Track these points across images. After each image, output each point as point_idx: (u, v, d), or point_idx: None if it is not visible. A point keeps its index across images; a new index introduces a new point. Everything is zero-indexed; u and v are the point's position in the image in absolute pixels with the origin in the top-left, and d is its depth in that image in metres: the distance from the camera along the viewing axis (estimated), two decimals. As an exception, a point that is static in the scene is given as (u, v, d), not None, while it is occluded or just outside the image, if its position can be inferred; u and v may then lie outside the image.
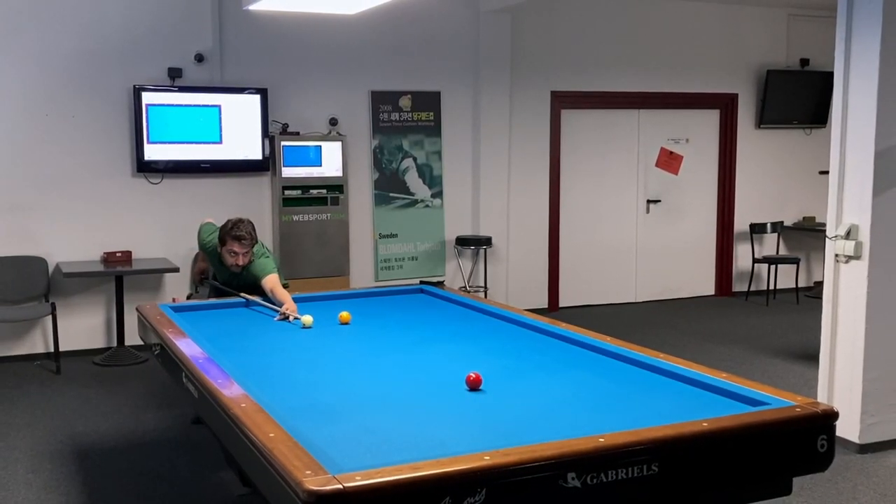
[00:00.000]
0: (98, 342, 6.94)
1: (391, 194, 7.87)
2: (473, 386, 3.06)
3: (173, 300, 4.80)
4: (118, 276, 6.68)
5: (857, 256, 4.68)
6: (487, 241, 7.98)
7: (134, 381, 6.19)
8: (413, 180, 7.94)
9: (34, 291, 6.66)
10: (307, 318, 4.17)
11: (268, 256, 4.95)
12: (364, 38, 7.49)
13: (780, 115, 9.13)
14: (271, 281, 4.70)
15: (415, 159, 7.92)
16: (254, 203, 7.13)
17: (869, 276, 4.65)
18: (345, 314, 4.22)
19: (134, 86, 6.80)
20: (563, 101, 8.41)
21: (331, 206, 7.40)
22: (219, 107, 7.04)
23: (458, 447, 2.36)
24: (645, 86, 8.61)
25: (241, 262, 4.81)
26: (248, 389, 2.92)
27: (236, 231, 4.77)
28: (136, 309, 4.52)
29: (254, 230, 4.85)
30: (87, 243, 6.82)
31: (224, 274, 4.98)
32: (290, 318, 4.32)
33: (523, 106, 8.21)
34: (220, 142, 7.07)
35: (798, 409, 2.67)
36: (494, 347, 3.73)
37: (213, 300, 4.95)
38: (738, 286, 9.30)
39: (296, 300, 4.55)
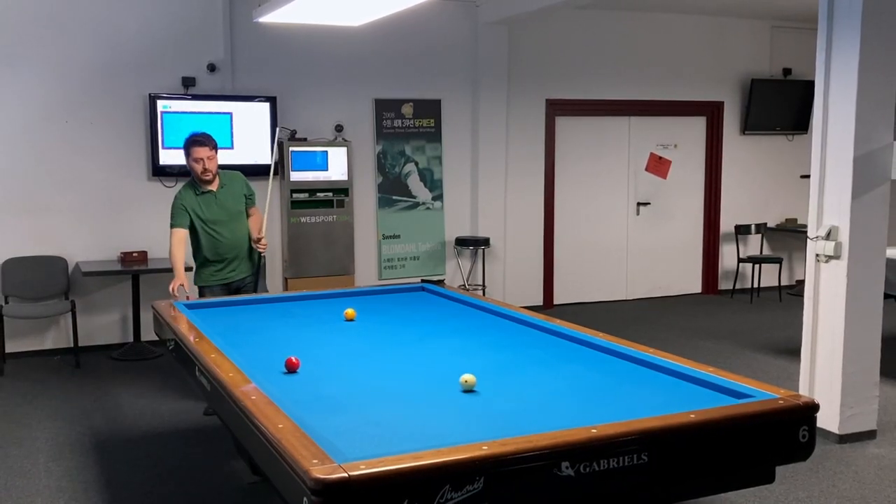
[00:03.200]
0: (115, 338, 6.95)
1: (394, 197, 7.87)
2: (291, 368, 3.15)
3: (187, 297, 4.81)
4: (134, 274, 6.68)
5: (836, 256, 4.68)
6: (485, 242, 7.98)
7: (149, 374, 6.20)
8: (415, 184, 7.94)
9: (55, 289, 6.67)
10: (350, 312, 4.19)
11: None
12: (368, 48, 7.50)
13: (763, 121, 9.13)
14: (258, 213, 5.34)
15: (416, 164, 7.92)
16: (263, 205, 7.10)
17: (848, 275, 4.65)
18: (350, 311, 4.22)
19: (149, 94, 6.80)
20: (557, 108, 8.41)
21: (336, 209, 7.40)
22: (230, 114, 7.04)
23: (457, 437, 2.35)
24: (635, 94, 8.61)
25: (209, 167, 5.03)
26: (259, 382, 2.92)
27: (194, 136, 5.09)
28: (152, 306, 4.53)
29: (213, 138, 5.14)
30: (104, 243, 6.83)
31: (209, 209, 5.09)
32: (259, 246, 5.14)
33: (520, 113, 8.22)
34: (232, 147, 7.06)
35: (781, 402, 2.67)
36: (492, 342, 3.72)
37: (223, 298, 4.95)
38: (724, 284, 9.30)
39: (303, 298, 4.60)
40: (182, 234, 5.09)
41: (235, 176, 5.28)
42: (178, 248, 5.06)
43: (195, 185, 5.13)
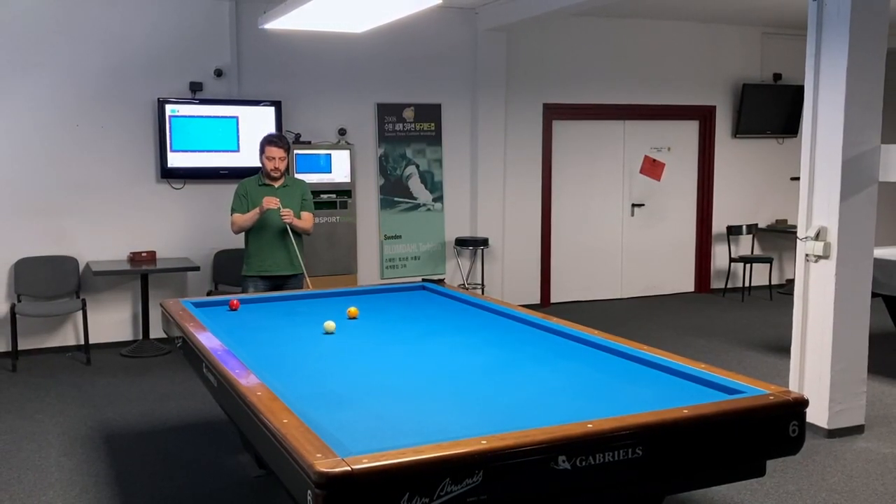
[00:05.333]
0: (125, 335, 6.95)
1: (395, 199, 7.87)
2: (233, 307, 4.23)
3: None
4: (143, 274, 6.68)
5: (825, 256, 4.68)
6: (484, 242, 7.98)
7: (158, 371, 6.20)
8: (416, 186, 7.94)
9: (66, 288, 6.67)
10: (329, 325, 3.89)
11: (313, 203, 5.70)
12: (370, 54, 7.50)
13: (754, 125, 9.13)
14: (310, 216, 5.55)
15: (417, 166, 7.92)
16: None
17: (836, 275, 4.65)
18: (353, 309, 4.22)
19: (158, 98, 6.80)
20: (554, 112, 8.40)
21: (340, 210, 7.40)
22: (236, 118, 7.05)
23: (457, 432, 2.35)
24: (630, 98, 8.61)
25: (279, 166, 5.42)
26: (264, 379, 2.92)
27: (270, 137, 5.53)
28: (160, 304, 4.53)
29: (287, 140, 5.58)
30: (114, 244, 6.83)
31: (265, 193, 5.37)
32: (282, 218, 5.26)
33: (517, 117, 8.22)
34: (238, 150, 7.07)
35: (771, 397, 2.67)
36: (491, 340, 3.72)
37: (229, 296, 4.95)
38: (716, 283, 9.30)
39: (307, 296, 4.64)
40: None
41: (300, 182, 5.70)
42: (238, 217, 5.47)
43: (259, 178, 5.54)
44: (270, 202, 5.27)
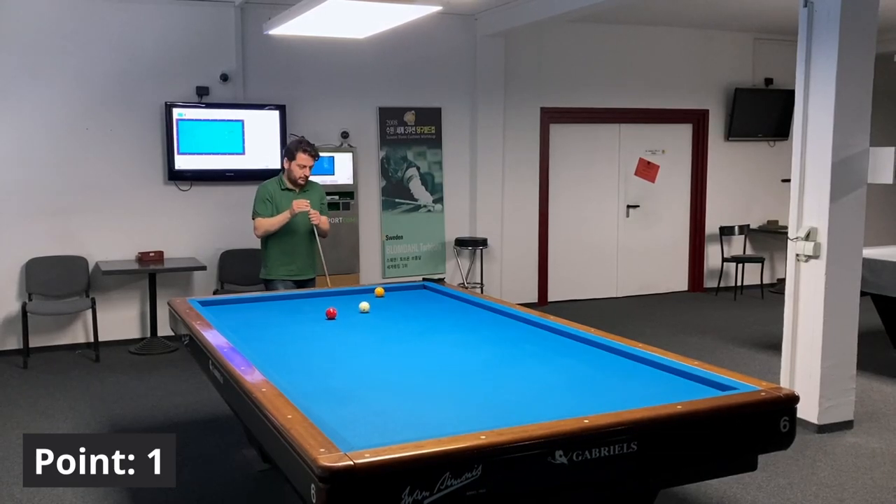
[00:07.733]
0: (133, 333, 6.95)
1: (397, 200, 7.87)
2: (330, 316, 4.05)
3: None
4: (151, 273, 6.68)
5: (815, 256, 4.68)
6: (483, 242, 7.98)
7: (166, 368, 6.20)
8: (416, 187, 7.94)
9: (76, 287, 6.67)
10: (364, 305, 4.30)
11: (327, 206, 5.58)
12: (372, 59, 7.49)
13: (746, 128, 9.13)
14: (327, 219, 5.37)
15: (418, 168, 7.92)
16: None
17: (826, 274, 4.65)
18: (380, 289, 4.59)
19: (165, 102, 6.80)
20: (551, 116, 8.40)
21: (343, 211, 7.40)
22: (242, 121, 7.04)
23: (456, 427, 2.35)
24: (625, 102, 8.61)
25: (307, 175, 5.24)
26: (269, 375, 2.92)
27: (304, 145, 5.23)
28: (168, 303, 4.52)
29: (316, 148, 5.34)
30: (123, 244, 6.83)
31: (287, 203, 5.20)
32: (311, 219, 5.17)
33: (516, 120, 8.21)
34: (243, 153, 7.07)
35: (763, 394, 2.67)
36: (490, 337, 3.72)
37: (234, 295, 4.95)
38: (709, 283, 9.30)
39: (311, 295, 4.65)
40: None
41: (317, 185, 5.51)
42: (264, 220, 5.25)
43: (281, 181, 5.34)
44: (301, 205, 5.12)
